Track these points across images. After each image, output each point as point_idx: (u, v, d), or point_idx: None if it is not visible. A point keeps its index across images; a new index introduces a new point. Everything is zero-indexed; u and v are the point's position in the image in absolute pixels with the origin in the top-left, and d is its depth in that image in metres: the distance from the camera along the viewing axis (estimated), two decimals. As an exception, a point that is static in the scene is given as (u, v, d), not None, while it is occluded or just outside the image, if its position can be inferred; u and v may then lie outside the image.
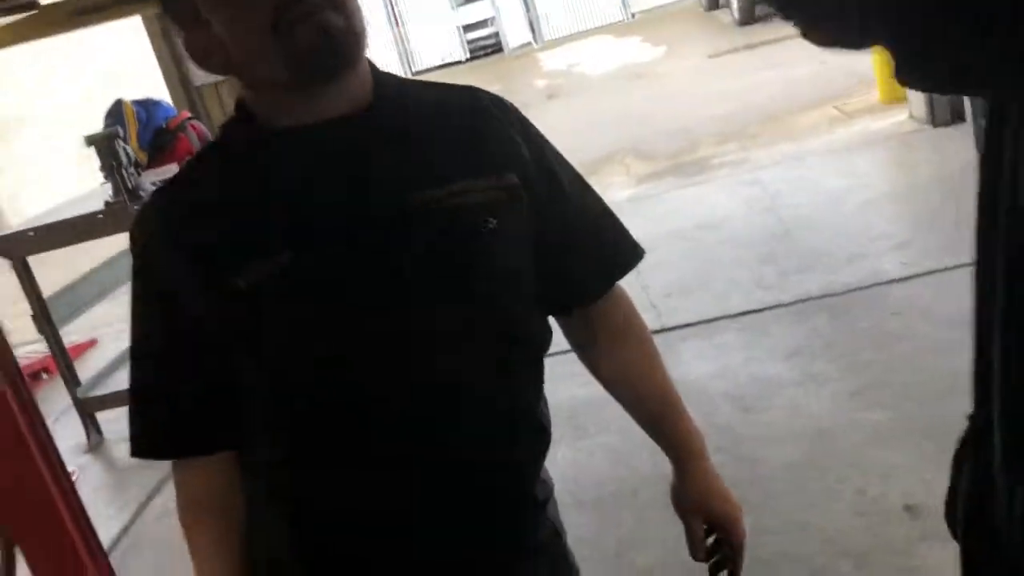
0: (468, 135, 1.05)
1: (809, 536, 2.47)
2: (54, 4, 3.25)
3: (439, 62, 18.55)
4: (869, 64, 6.75)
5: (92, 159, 4.19)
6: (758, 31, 11.76)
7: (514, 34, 18.31)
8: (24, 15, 3.09)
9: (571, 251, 1.12)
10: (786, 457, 2.84)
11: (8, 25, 3.11)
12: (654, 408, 1.24)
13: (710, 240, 4.91)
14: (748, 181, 5.93)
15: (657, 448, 3.26)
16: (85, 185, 5.26)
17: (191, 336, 0.99)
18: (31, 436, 2.36)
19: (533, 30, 18.18)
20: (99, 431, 4.43)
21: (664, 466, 3.04)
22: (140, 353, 1.06)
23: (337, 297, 0.97)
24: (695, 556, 1.26)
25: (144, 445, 1.06)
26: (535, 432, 1.10)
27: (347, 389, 0.98)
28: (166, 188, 1.06)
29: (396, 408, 0.99)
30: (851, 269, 4.08)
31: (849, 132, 6.55)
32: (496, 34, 18.37)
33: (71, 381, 4.33)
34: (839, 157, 6.00)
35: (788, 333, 3.65)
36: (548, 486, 1.17)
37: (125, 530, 3.52)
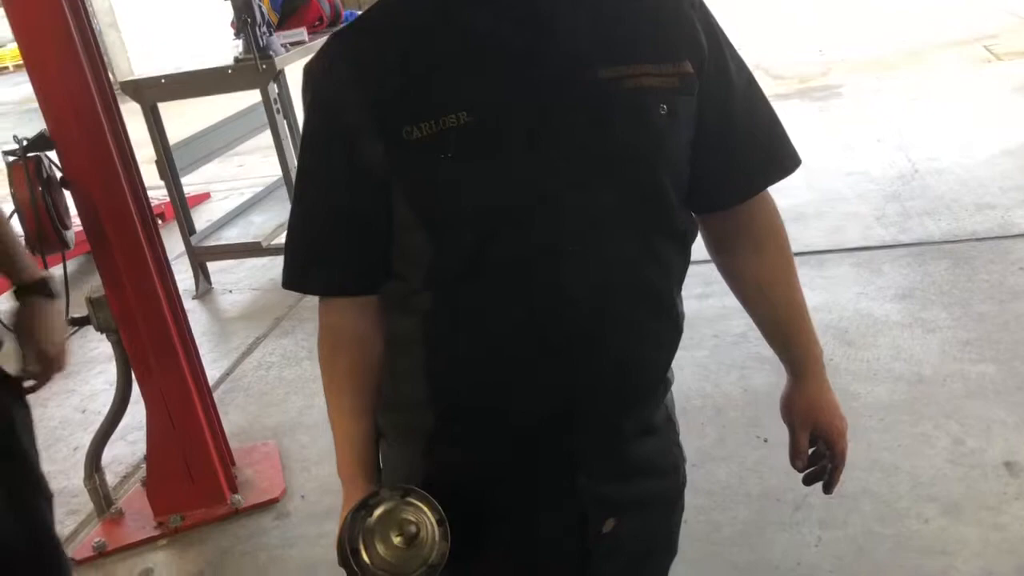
0: (653, 16, 1.03)
1: (896, 478, 2.43)
2: None
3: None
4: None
5: (224, 14, 4.25)
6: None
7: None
8: None
9: (732, 147, 1.10)
10: (883, 397, 2.79)
11: None
12: (783, 315, 1.23)
13: (831, 171, 4.74)
14: (879, 115, 5.66)
15: (744, 371, 3.21)
16: (211, 44, 5.35)
17: (358, 179, 1.01)
18: (154, 268, 2.48)
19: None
20: (208, 280, 4.63)
21: (750, 391, 3.02)
22: (305, 188, 1.08)
23: (511, 160, 0.96)
24: (795, 464, 1.27)
25: (296, 278, 1.09)
26: (674, 319, 1.11)
27: (506, 249, 0.98)
28: (349, 31, 1.04)
29: (550, 273, 0.99)
30: (979, 218, 3.90)
31: (997, 75, 6.15)
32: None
33: (187, 229, 4.50)
34: (982, 100, 5.66)
35: (903, 274, 3.53)
36: (670, 378, 1.17)
37: (226, 375, 3.71)
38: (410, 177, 0.98)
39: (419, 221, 1.00)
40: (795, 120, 5.83)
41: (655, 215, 1.04)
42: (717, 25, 1.09)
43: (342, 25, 5.06)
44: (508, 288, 1.00)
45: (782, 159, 1.15)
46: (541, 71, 0.97)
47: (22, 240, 1.72)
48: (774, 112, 1.15)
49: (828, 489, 1.29)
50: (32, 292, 1.67)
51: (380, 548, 1.00)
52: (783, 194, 1.22)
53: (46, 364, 1.65)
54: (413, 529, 1.00)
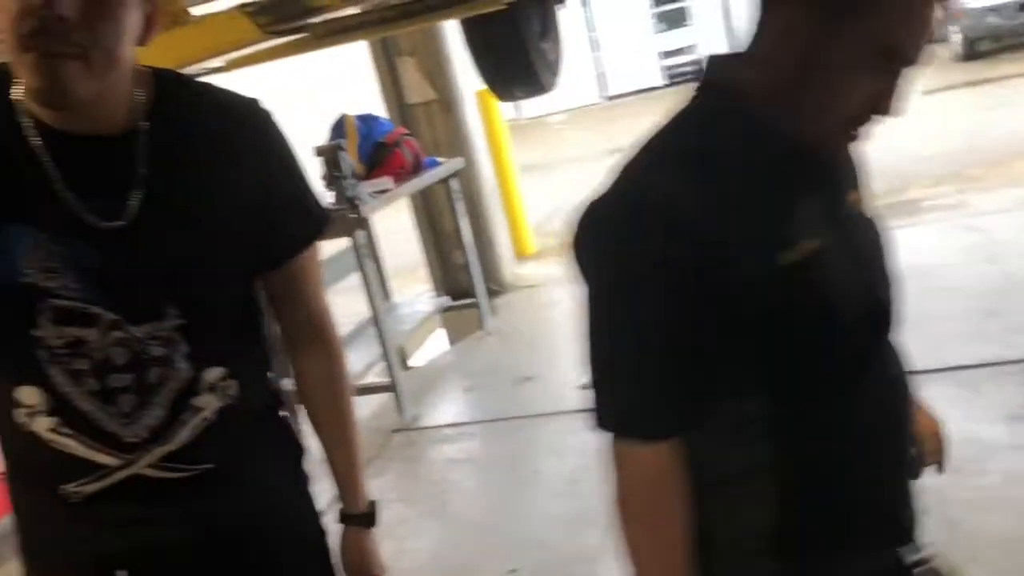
0: None
1: (1026, 616, 2.27)
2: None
3: (634, 88, 18.75)
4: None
5: (316, 167, 4.48)
6: (980, 67, 11.03)
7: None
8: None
9: None
10: (1001, 528, 2.63)
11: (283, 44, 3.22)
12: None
13: (917, 287, 4.61)
14: (966, 227, 5.56)
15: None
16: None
17: (708, 318, 1.02)
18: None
19: (735, 59, 17.92)
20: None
21: None
22: (637, 331, 1.04)
23: (851, 279, 1.09)
24: None
25: (630, 419, 1.06)
26: None
27: (852, 357, 1.09)
28: (668, 177, 1.03)
29: (882, 369, 1.13)
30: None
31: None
32: (697, 61, 18.29)
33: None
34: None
35: (1010, 394, 3.38)
36: None
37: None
38: (781, 302, 1.04)
39: (786, 343, 1.05)
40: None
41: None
42: None
43: (416, 169, 5.04)
44: (852, 389, 1.09)
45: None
46: (830, 202, 1.13)
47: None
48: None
49: None
50: (359, 521, 1.48)
51: None
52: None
53: None
54: None
